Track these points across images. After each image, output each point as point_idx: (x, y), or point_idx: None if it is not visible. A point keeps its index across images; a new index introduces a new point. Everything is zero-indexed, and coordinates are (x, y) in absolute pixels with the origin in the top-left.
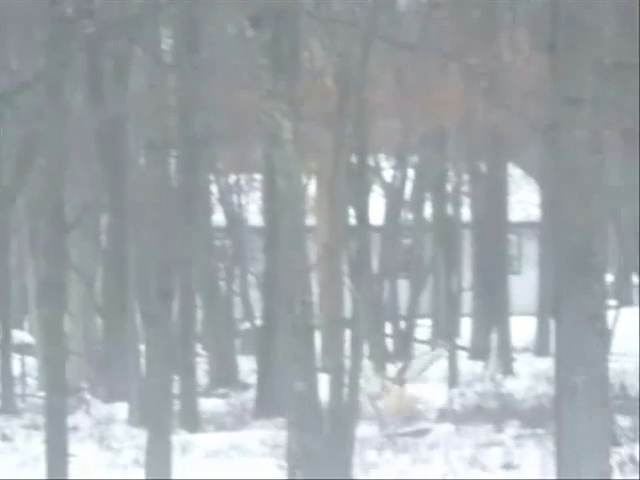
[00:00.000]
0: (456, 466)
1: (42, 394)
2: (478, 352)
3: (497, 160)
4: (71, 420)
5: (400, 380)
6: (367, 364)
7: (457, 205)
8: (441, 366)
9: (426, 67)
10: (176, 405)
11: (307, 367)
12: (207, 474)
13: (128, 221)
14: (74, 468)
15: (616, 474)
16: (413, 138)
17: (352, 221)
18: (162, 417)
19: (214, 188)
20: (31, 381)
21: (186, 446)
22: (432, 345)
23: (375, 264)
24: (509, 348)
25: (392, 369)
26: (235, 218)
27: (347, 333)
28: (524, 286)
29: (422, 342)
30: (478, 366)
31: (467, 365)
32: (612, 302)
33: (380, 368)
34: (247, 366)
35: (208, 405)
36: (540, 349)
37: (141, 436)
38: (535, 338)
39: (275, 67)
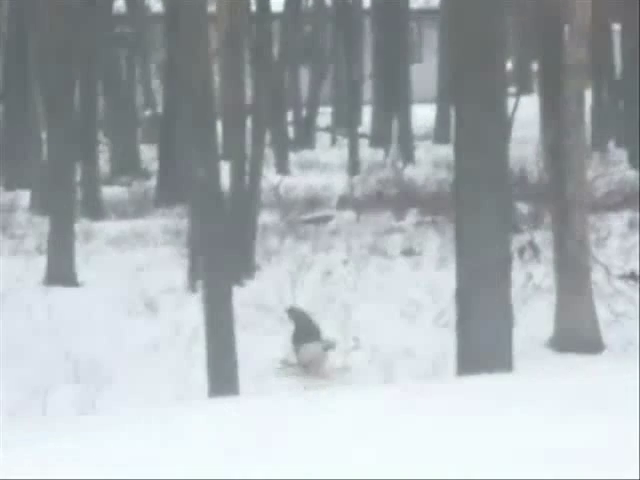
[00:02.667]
0: (357, 252)
1: None
2: (379, 140)
3: None
4: None
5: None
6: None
7: None
8: (342, 154)
9: None
10: (78, 193)
11: (209, 155)
12: (109, 261)
13: (29, 6)
14: None
15: (515, 260)
16: None
17: (253, 8)
18: (64, 205)
19: None
20: None
21: (88, 234)
22: (333, 132)
23: (276, 52)
24: (410, 135)
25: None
26: (136, 5)
27: (249, 121)
28: (425, 74)
29: (323, 130)
30: (379, 154)
31: (368, 153)
32: (512, 89)
33: (282, 156)
34: (149, 154)
35: (110, 193)
36: (440, 136)
37: (43, 223)
38: (435, 125)
39: None
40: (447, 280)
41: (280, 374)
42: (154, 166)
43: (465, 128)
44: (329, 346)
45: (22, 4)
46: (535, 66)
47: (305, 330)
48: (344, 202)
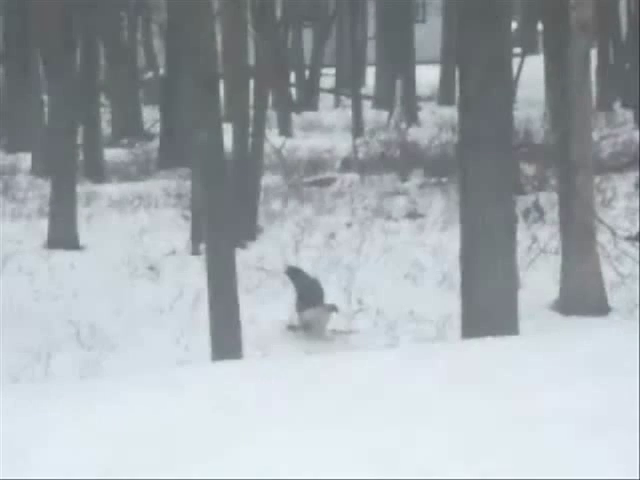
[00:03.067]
0: (361, 215)
1: None
2: (383, 101)
3: None
4: None
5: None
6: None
7: None
8: (345, 115)
9: None
10: (80, 155)
11: (211, 117)
12: (111, 223)
13: None
14: None
15: (520, 222)
16: None
17: None
18: (66, 167)
19: None
20: None
21: (90, 196)
22: (336, 94)
23: (279, 12)
24: (413, 97)
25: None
26: None
27: (251, 82)
28: (429, 34)
29: (327, 91)
30: (383, 115)
31: (371, 114)
32: (517, 50)
33: (284, 118)
34: (151, 116)
35: (112, 155)
36: (444, 97)
37: (45, 186)
38: (439, 86)
39: None
40: (452, 242)
41: (284, 337)
42: (156, 128)
43: (470, 89)
44: (332, 308)
45: None
46: (541, 26)
47: (308, 291)
48: (347, 164)
